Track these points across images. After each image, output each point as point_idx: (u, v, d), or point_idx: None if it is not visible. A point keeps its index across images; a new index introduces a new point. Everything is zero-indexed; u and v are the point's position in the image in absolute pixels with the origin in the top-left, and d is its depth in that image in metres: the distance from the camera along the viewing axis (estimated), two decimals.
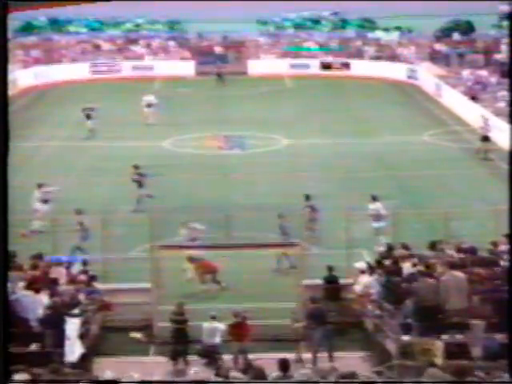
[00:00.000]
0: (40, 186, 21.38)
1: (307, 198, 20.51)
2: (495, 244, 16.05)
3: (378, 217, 19.62)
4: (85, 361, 13.40)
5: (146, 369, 13.31)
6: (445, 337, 13.38)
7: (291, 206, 20.63)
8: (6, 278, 6.91)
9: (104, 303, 15.59)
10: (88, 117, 31.48)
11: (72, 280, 15.15)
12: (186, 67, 46.82)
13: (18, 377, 7.05)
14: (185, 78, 45.27)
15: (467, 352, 12.88)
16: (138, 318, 15.68)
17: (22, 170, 27.47)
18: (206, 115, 36.36)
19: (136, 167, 23.24)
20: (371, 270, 15.76)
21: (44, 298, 13.71)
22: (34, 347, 12.91)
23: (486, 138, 28.52)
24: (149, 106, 33.77)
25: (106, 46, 48.58)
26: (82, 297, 14.55)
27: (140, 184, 22.80)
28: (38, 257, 15.74)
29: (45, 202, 21.04)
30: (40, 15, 49.48)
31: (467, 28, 48.54)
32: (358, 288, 15.79)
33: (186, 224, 17.98)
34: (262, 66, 47.10)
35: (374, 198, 20.07)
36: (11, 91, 40.48)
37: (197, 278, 17.39)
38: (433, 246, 15.95)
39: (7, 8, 7.31)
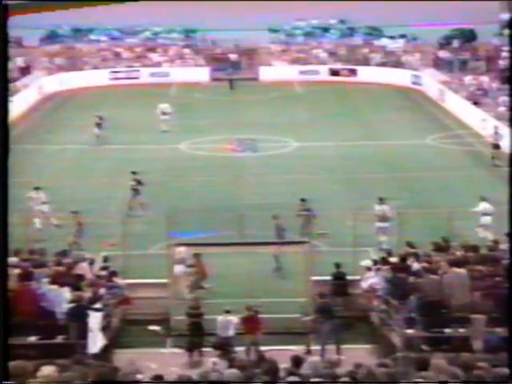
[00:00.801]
0: (36, 188, 21.12)
1: (303, 201, 20.34)
2: (496, 242, 16.04)
3: (383, 218, 19.64)
4: (106, 352, 13.49)
5: (164, 360, 13.37)
6: (448, 330, 13.40)
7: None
8: (5, 276, 6.75)
9: (124, 298, 15.66)
10: (97, 125, 31.17)
11: (96, 277, 15.27)
12: (200, 73, 46.88)
13: (45, 369, 7.10)
14: (200, 84, 45.35)
15: (469, 345, 12.89)
16: (156, 311, 15.73)
17: (48, 170, 27.80)
18: (220, 119, 36.41)
19: (134, 173, 22.89)
20: (377, 267, 15.78)
21: (67, 293, 13.80)
22: (59, 339, 13.01)
23: (496, 146, 28.27)
24: (164, 113, 33.63)
25: (125, 53, 48.71)
26: (103, 291, 14.65)
27: (136, 191, 22.52)
28: (63, 253, 15.86)
29: (43, 203, 20.83)
30: (64, 24, 49.70)
31: (470, 36, 48.31)
32: (364, 284, 15.81)
33: (181, 244, 17.78)
34: (273, 72, 47.08)
35: (381, 201, 20.04)
36: (37, 97, 41.05)
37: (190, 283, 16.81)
38: (437, 246, 15.93)
39: (7, 10, 7.12)
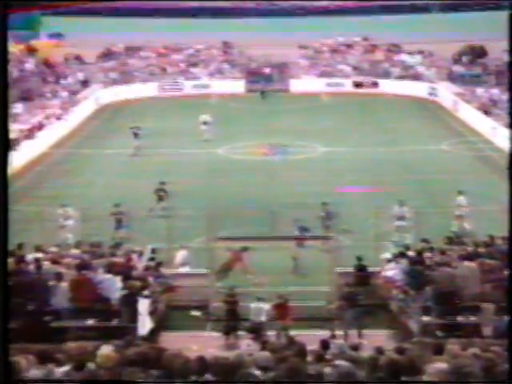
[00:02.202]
0: (63, 205, 20.28)
1: (323, 204, 20.09)
2: (505, 239, 15.78)
3: (402, 218, 19.53)
4: (153, 334, 13.62)
5: (203, 342, 13.41)
6: (460, 318, 13.27)
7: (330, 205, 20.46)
8: (5, 274, 6.61)
9: (169, 286, 15.78)
10: (135, 135, 30.83)
11: (144, 267, 15.43)
12: (237, 86, 46.94)
13: (104, 348, 7.19)
14: (236, 95, 45.43)
15: (479, 331, 12.75)
16: (196, 298, 15.81)
17: (105, 171, 28.23)
18: (255, 126, 36.46)
19: (162, 183, 22.79)
20: (396, 259, 15.66)
21: (119, 281, 13.94)
22: (114, 322, 13.17)
23: None
24: (205, 123, 33.44)
25: (170, 68, 49.07)
26: (151, 280, 14.78)
27: (161, 198, 22.42)
28: (116, 246, 16.05)
29: (66, 219, 19.94)
30: (118, 42, 50.24)
31: (481, 52, 47.63)
32: (384, 275, 15.71)
33: (184, 247, 17.76)
34: (302, 84, 46.94)
35: (401, 202, 19.89)
36: (95, 107, 41.68)
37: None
38: (450, 242, 15.78)
39: (7, 8, 6.78)
